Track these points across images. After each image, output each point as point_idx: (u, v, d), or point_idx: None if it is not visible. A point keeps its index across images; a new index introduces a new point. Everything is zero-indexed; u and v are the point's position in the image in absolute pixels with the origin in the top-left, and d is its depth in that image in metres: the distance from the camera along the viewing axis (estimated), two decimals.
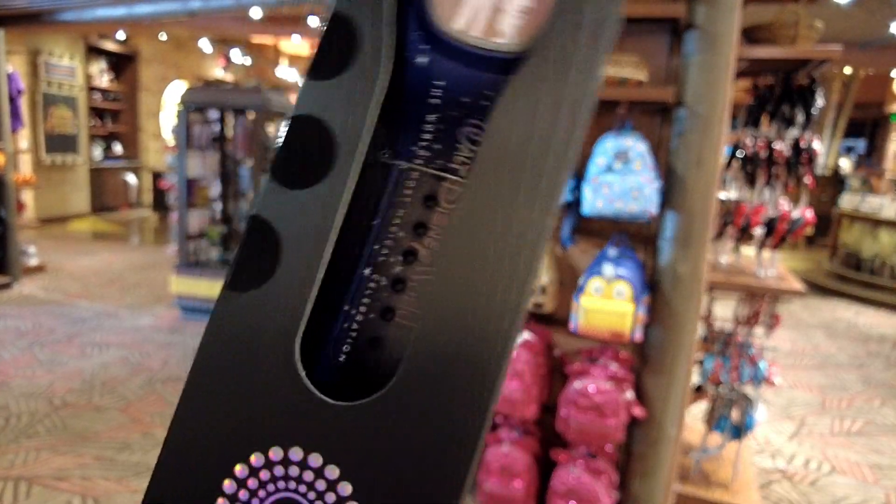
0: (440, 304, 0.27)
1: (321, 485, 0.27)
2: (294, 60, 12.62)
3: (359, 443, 0.26)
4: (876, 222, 6.16)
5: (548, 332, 2.10)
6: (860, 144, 10.79)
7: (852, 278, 6.23)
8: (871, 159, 10.20)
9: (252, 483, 0.27)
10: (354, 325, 0.31)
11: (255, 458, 0.27)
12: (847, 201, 6.73)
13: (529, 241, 0.27)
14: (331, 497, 0.27)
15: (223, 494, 0.28)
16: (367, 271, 0.31)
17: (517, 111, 0.27)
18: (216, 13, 4.95)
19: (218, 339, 0.28)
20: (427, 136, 0.31)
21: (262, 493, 0.27)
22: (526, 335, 2.05)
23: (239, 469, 0.28)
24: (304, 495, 0.27)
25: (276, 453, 0.27)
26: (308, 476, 0.27)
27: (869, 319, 5.37)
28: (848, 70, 8.74)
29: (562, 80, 0.27)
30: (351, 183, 0.29)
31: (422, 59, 0.30)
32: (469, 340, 0.26)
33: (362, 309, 0.31)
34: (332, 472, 0.27)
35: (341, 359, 0.31)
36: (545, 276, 1.99)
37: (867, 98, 9.46)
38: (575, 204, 1.96)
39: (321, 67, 0.29)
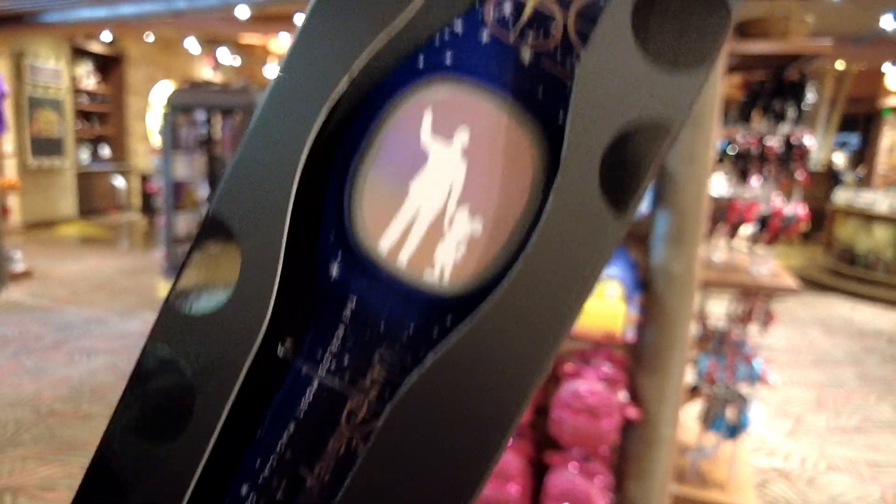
0: None
1: None
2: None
3: None
4: (870, 217, 6.17)
5: None
6: (854, 139, 10.82)
7: (847, 274, 6.23)
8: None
9: None
10: None
11: None
12: (841, 196, 6.74)
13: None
14: None
15: None
16: (243, 489, 0.27)
17: (451, 370, 0.23)
18: (202, 13, 4.90)
19: None
20: (336, 348, 0.27)
21: None
22: None
23: None
24: None
25: None
26: None
27: (865, 315, 5.37)
28: (840, 65, 8.76)
29: (515, 343, 0.23)
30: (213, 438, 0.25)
31: (334, 270, 0.26)
32: None
33: None
34: None
35: None
36: None
37: (860, 93, 9.47)
38: None
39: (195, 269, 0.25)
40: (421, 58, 0.26)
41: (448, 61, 0.26)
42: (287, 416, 0.27)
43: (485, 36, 0.25)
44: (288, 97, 0.24)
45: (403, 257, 0.25)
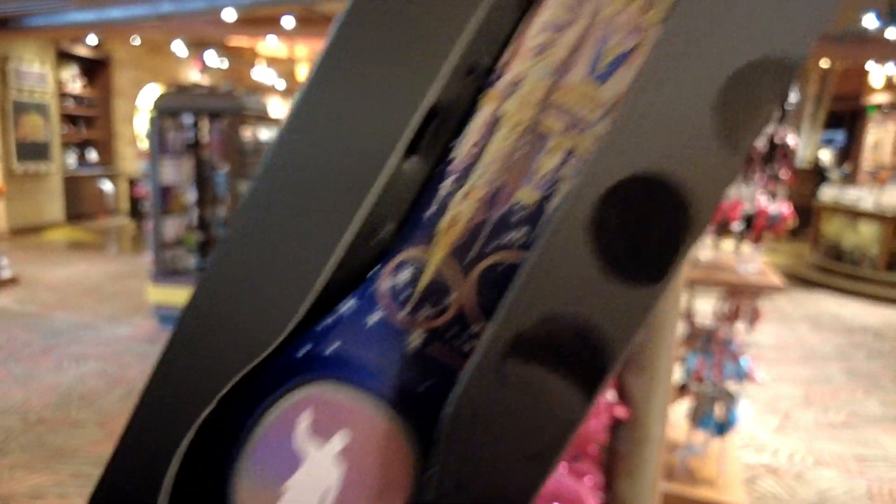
0: None
1: None
2: (271, 62, 12.52)
3: None
4: (855, 214, 6.23)
5: None
6: (840, 136, 10.92)
7: (835, 270, 6.29)
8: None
9: None
10: None
11: None
12: (827, 193, 6.80)
13: None
14: None
15: None
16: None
17: None
18: (189, 16, 4.88)
19: None
20: None
21: None
22: None
23: None
24: None
25: None
26: None
27: (852, 311, 5.43)
28: (825, 63, 8.84)
29: None
30: None
31: None
32: None
33: None
34: None
35: None
36: None
37: (845, 90, 9.57)
38: None
39: None
40: (306, 347, 0.25)
41: (330, 352, 0.25)
42: None
43: (373, 319, 0.25)
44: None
45: None
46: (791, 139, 2.14)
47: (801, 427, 3.12)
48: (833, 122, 10.24)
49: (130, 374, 3.54)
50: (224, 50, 10.50)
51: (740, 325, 2.38)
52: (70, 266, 6.34)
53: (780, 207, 2.17)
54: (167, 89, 4.60)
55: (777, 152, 2.11)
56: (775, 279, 2.17)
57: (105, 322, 4.44)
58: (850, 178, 9.37)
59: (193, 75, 10.82)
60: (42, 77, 8.30)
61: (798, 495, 2.50)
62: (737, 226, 2.19)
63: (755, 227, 2.17)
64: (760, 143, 2.14)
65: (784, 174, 2.19)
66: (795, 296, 5.81)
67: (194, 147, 4.38)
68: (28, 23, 4.64)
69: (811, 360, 4.12)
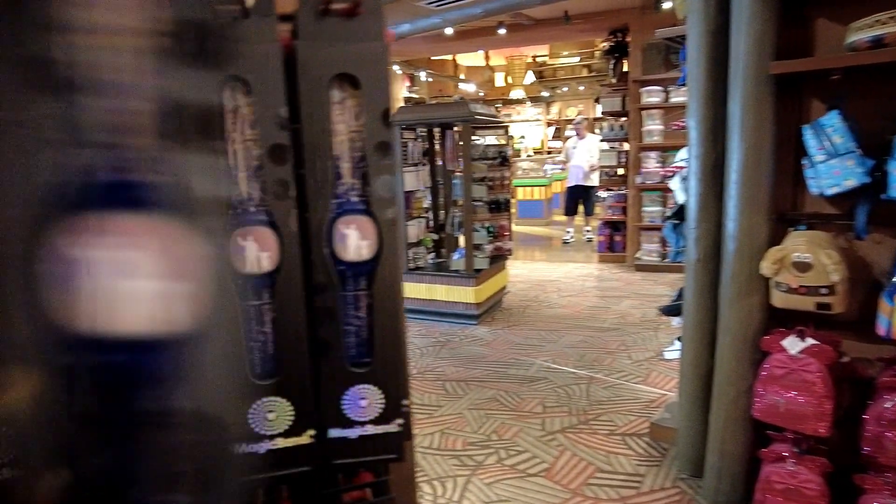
0: None
1: None
2: (470, 73, 13.00)
3: None
4: None
5: (836, 338, 1.84)
6: None
7: None
8: None
9: None
10: None
11: None
12: None
13: None
14: None
15: None
16: None
17: None
18: (418, 33, 5.25)
19: None
20: None
21: None
22: (812, 342, 1.82)
23: None
24: None
25: None
26: None
27: None
28: None
29: None
30: None
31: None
32: None
33: None
34: None
35: None
36: (834, 273, 1.75)
37: None
38: (872, 187, 1.70)
39: None
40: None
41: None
42: None
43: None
44: None
45: None
46: None
47: None
48: None
49: None
50: (428, 64, 11.16)
51: None
52: None
53: None
54: (398, 105, 4.99)
55: None
56: None
57: None
58: None
59: (403, 92, 11.66)
60: None
61: None
62: None
63: None
64: None
65: None
66: None
67: (429, 155, 4.69)
68: None
69: None
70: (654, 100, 6.17)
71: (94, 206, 0.33)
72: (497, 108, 12.67)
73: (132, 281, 0.33)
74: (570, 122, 10.98)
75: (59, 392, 0.35)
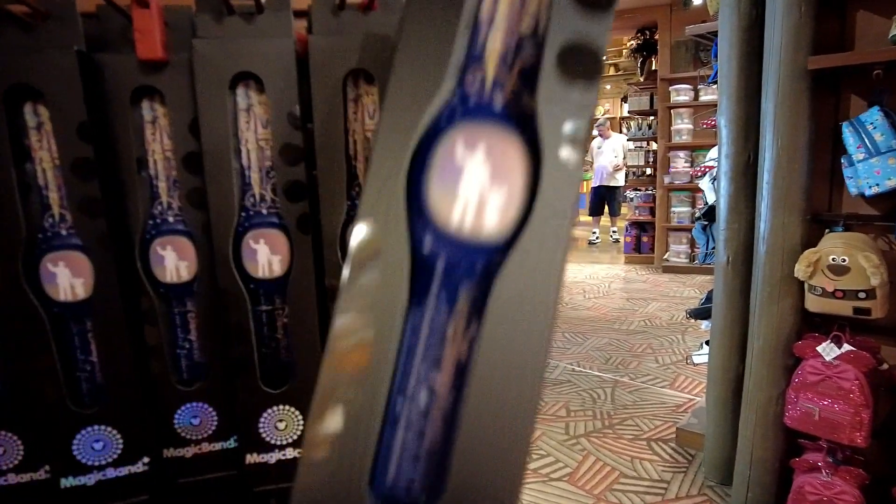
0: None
1: None
2: None
3: None
4: None
5: (875, 344, 1.77)
6: None
7: None
8: None
9: None
10: (395, 448, 0.42)
11: None
12: None
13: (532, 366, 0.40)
14: None
15: None
16: (399, 401, 0.42)
17: (513, 279, 0.40)
18: None
19: None
20: (435, 294, 0.42)
21: None
22: (849, 348, 1.75)
23: None
24: None
25: None
26: None
27: None
28: None
29: (543, 259, 0.40)
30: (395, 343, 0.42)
31: (426, 248, 0.42)
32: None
33: (399, 433, 0.42)
34: None
35: (389, 480, 0.42)
36: (873, 277, 1.68)
37: None
38: None
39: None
40: (444, 117, 0.43)
41: (458, 116, 0.43)
42: (414, 348, 0.41)
43: (472, 101, 0.43)
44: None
45: (466, 226, 0.41)
46: None
47: None
48: None
49: None
50: None
51: None
52: None
53: None
54: None
55: None
56: None
57: None
58: None
59: None
60: None
61: None
62: None
63: None
64: None
65: None
66: None
67: None
68: None
69: None
70: (683, 98, 6.06)
71: (479, 119, 0.42)
72: None
73: (498, 191, 0.41)
74: (596, 121, 10.86)
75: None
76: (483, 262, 0.41)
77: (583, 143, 0.41)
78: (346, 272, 0.40)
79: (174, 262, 0.70)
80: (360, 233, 0.40)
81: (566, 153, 0.40)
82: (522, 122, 0.41)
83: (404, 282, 0.40)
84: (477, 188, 0.40)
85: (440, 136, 0.42)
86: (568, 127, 0.40)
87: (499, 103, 0.42)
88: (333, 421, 0.39)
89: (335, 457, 0.38)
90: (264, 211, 0.70)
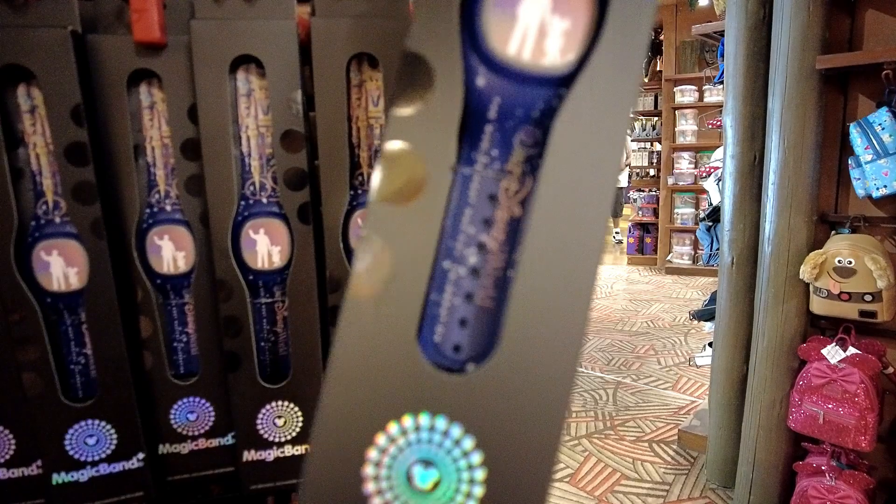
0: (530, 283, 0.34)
1: (449, 441, 0.34)
2: None
3: (475, 405, 0.34)
4: None
5: (881, 347, 1.75)
6: None
7: None
8: None
9: (391, 447, 0.34)
10: (443, 311, 0.36)
11: (392, 427, 0.34)
12: None
13: (592, 229, 0.34)
14: (457, 447, 0.34)
15: (368, 461, 0.35)
16: (446, 263, 0.36)
17: (575, 124, 0.34)
18: None
19: (349, 343, 0.35)
20: (485, 145, 0.37)
21: (401, 454, 0.34)
22: (855, 351, 1.73)
23: (380, 437, 0.34)
24: (439, 447, 0.34)
25: (408, 421, 0.34)
26: (438, 436, 0.34)
27: None
28: None
29: (609, 94, 0.33)
30: (444, 196, 0.35)
31: (480, 82, 0.36)
32: (556, 308, 0.34)
33: (446, 296, 0.36)
34: (457, 430, 0.34)
35: (436, 339, 0.36)
36: (880, 280, 1.66)
37: None
38: None
39: (404, 100, 0.35)
40: None
41: None
42: (464, 206, 0.36)
43: None
44: None
45: (526, 54, 0.35)
46: None
47: None
48: None
49: None
50: None
51: None
52: None
53: None
54: None
55: None
56: None
57: None
58: None
59: None
60: None
61: None
62: None
63: None
64: None
65: None
66: None
67: None
68: None
69: None
70: (688, 99, 6.04)
71: None
72: None
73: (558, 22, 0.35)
74: None
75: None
76: (543, 100, 0.36)
77: None
78: (395, 105, 0.36)
79: (171, 252, 0.67)
80: (410, 63, 0.35)
81: None
82: None
83: (455, 121, 0.35)
84: (538, 15, 0.35)
85: None
86: None
87: None
88: (376, 271, 0.35)
89: (380, 306, 0.35)
90: (264, 200, 0.68)
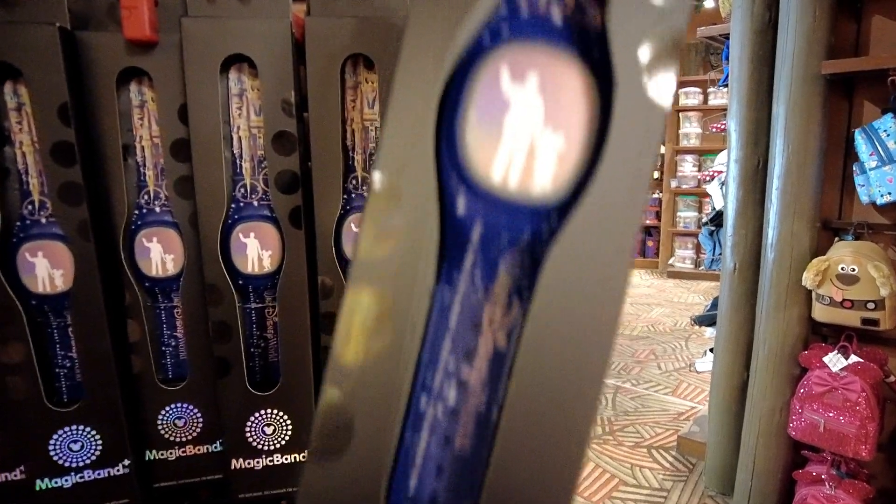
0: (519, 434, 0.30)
1: None
2: None
3: None
4: None
5: (883, 356, 1.73)
6: None
7: None
8: None
9: None
10: (417, 457, 0.33)
11: None
12: None
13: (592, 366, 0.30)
14: None
15: None
16: (422, 401, 0.32)
17: (570, 255, 0.30)
18: None
19: None
20: (468, 268, 0.33)
21: None
22: (856, 359, 1.71)
23: None
24: None
25: None
26: None
27: None
28: None
29: (612, 223, 0.30)
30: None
31: (460, 206, 0.32)
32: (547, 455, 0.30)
33: (423, 438, 0.32)
34: None
35: (410, 493, 0.32)
36: (883, 288, 1.64)
37: None
38: None
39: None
40: (486, 35, 0.31)
41: (504, 34, 0.31)
42: (442, 334, 0.32)
43: (524, 12, 0.31)
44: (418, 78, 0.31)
45: (512, 181, 0.31)
46: None
47: None
48: None
49: None
50: None
51: None
52: None
53: None
54: None
55: None
56: None
57: None
58: None
59: None
60: None
61: None
62: None
63: None
64: None
65: None
66: None
67: None
68: None
69: None
70: (693, 101, 6.01)
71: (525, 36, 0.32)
72: None
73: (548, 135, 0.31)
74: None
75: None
76: (532, 230, 0.32)
77: (671, 64, 0.28)
78: (360, 235, 0.31)
79: (160, 254, 0.66)
80: (377, 185, 0.31)
81: (647, 83, 0.29)
82: (587, 41, 0.31)
83: (432, 251, 0.31)
84: (527, 131, 0.31)
85: (480, 60, 0.31)
86: (650, 44, 0.29)
87: (557, 17, 0.31)
88: (343, 419, 0.31)
89: (347, 459, 0.30)
90: (255, 203, 0.66)
